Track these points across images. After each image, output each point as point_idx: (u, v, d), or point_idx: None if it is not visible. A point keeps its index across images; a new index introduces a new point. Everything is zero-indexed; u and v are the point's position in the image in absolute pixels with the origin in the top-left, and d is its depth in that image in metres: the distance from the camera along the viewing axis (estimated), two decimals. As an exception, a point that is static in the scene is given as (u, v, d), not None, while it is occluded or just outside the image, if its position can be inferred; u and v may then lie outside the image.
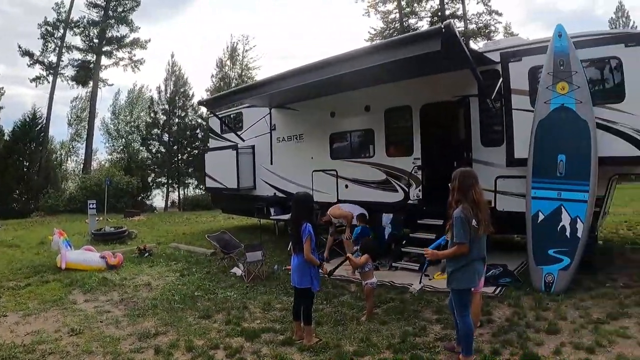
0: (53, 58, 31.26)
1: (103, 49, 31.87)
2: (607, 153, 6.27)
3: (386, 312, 5.83)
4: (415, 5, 32.71)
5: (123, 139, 35.51)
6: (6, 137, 28.44)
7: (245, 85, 14.74)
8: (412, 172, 9.07)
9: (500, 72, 7.30)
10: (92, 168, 31.31)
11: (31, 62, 30.72)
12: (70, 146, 38.48)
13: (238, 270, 8.14)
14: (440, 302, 5.97)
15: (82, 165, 33.65)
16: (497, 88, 7.33)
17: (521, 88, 7.04)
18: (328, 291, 6.52)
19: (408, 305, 6.01)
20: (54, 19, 30.89)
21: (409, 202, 9.15)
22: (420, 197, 8.99)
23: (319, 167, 11.05)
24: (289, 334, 5.10)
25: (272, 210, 12.15)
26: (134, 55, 33.33)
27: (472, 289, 4.28)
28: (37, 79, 31.16)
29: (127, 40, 32.59)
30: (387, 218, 9.37)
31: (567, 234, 6.16)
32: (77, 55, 32.16)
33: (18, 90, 62.33)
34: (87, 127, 32.90)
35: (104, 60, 32.85)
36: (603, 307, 5.47)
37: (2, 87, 34.69)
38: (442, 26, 6.12)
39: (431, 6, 33.24)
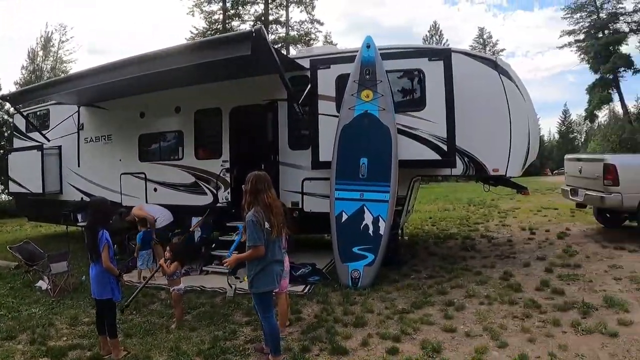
0: None
1: None
2: (408, 156, 6.84)
3: (196, 317, 5.55)
4: (240, 8, 32.53)
5: None
6: None
7: (53, 79, 12.98)
8: (221, 175, 8.79)
9: (310, 78, 7.44)
10: None
11: None
12: None
13: (43, 284, 7.14)
14: (250, 304, 5.69)
15: None
16: (305, 93, 7.45)
17: (328, 94, 7.31)
18: (137, 300, 5.90)
19: (218, 310, 5.78)
20: None
21: (218, 204, 8.87)
22: (229, 199, 8.76)
23: (128, 169, 10.11)
24: (97, 349, 4.60)
25: (79, 216, 10.71)
26: None
27: (275, 290, 4.36)
28: None
29: None
30: (195, 221, 8.84)
31: (370, 232, 6.50)
32: None
33: None
34: None
35: None
36: (408, 298, 5.85)
37: None
38: (253, 31, 6.05)
39: (255, 10, 33.50)
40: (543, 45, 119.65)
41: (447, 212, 14.53)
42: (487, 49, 61.51)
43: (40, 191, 11.40)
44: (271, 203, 4.08)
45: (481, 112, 7.13)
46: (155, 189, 9.72)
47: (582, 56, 58.87)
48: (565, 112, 72.73)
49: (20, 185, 12.18)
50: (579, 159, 9.74)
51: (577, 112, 68.83)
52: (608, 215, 9.93)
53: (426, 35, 57.35)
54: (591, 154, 9.93)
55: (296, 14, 39.71)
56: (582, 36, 59.23)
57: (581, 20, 58.38)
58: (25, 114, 12.25)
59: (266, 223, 3.96)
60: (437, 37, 57.34)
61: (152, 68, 7.15)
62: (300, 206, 7.89)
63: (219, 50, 6.52)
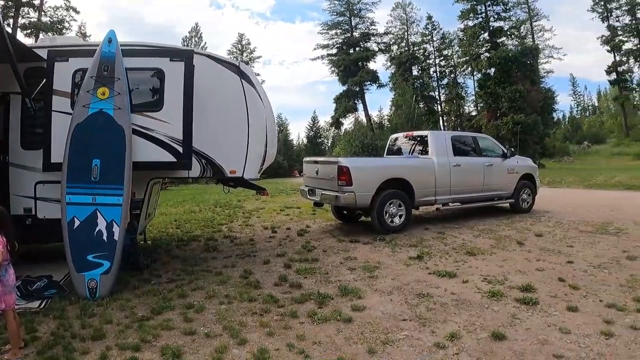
0: None
1: None
2: (143, 158, 6.52)
3: None
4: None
5: None
6: None
7: None
8: None
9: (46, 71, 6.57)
10: None
11: None
12: None
13: None
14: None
15: None
16: (39, 87, 6.61)
17: (64, 90, 6.52)
18: None
19: None
20: None
21: None
22: None
23: None
24: None
25: None
26: None
27: None
28: None
29: None
30: None
31: (105, 238, 6.00)
32: None
33: None
34: None
35: None
36: (148, 304, 5.52)
37: None
38: None
39: None
40: (299, 56, 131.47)
41: (193, 214, 14.28)
42: (245, 54, 65.35)
43: None
44: None
45: (220, 115, 7.30)
46: None
47: (332, 69, 67.30)
48: (314, 119, 78.91)
49: None
50: (315, 162, 10.56)
51: (325, 119, 75.94)
52: (345, 212, 11.07)
53: (186, 36, 57.85)
54: (327, 157, 11.13)
55: (52, -1, 34.60)
56: (334, 50, 67.70)
57: (335, 36, 66.79)
58: None
59: None
60: (196, 38, 58.30)
61: None
62: (33, 212, 6.91)
63: None
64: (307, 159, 11.16)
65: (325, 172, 9.70)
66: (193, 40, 54.05)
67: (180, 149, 6.64)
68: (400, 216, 9.58)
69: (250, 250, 8.35)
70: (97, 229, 5.97)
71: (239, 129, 7.32)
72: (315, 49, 68.17)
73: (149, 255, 7.71)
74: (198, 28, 56.21)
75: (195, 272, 6.85)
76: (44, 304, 5.74)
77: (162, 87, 6.66)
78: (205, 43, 55.34)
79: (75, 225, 5.99)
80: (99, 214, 6.01)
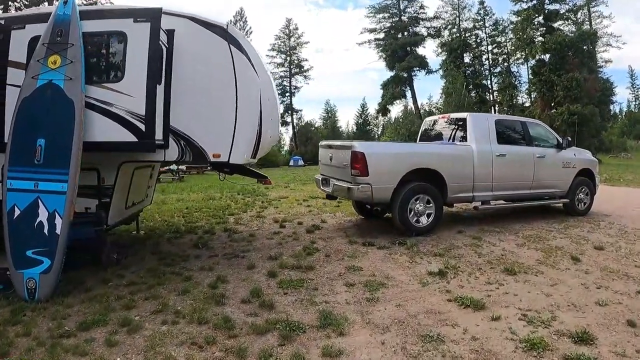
0: None
1: None
2: (100, 138, 5.27)
3: None
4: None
5: None
6: None
7: None
8: None
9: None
10: None
11: None
12: None
13: None
14: None
15: None
16: None
17: (19, 60, 5.35)
18: None
19: None
20: None
21: None
22: None
23: None
24: None
25: None
26: None
27: None
28: None
29: None
30: None
31: (46, 231, 4.82)
32: None
33: None
34: None
35: None
36: (86, 314, 4.37)
37: None
38: None
39: None
40: (350, 43, 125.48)
41: (211, 201, 12.95)
42: (292, 39, 63.14)
43: None
44: None
45: (203, 88, 5.87)
46: None
47: (379, 53, 63.26)
48: (363, 106, 74.56)
49: None
50: (329, 146, 8.74)
51: (375, 107, 71.09)
52: (368, 206, 9.26)
53: (230, 20, 56.77)
54: (342, 142, 8.99)
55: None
56: (382, 35, 63.39)
57: (383, 20, 62.58)
58: None
59: None
60: (241, 22, 56.85)
61: None
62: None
63: None
64: (323, 142, 9.29)
65: (339, 158, 7.92)
66: (238, 25, 53.01)
67: (143, 127, 5.30)
68: (429, 215, 7.70)
69: (242, 249, 6.92)
70: (37, 220, 4.79)
71: (224, 104, 5.85)
72: (362, 32, 64.08)
73: (122, 250, 6.49)
74: (242, 12, 55.09)
75: (162, 275, 5.56)
76: None
77: (124, 53, 5.32)
78: (250, 27, 54.23)
79: (15, 215, 4.85)
80: (40, 202, 4.82)
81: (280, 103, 60.97)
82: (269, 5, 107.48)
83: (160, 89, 5.61)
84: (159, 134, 5.62)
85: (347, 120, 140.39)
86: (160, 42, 5.51)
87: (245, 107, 5.90)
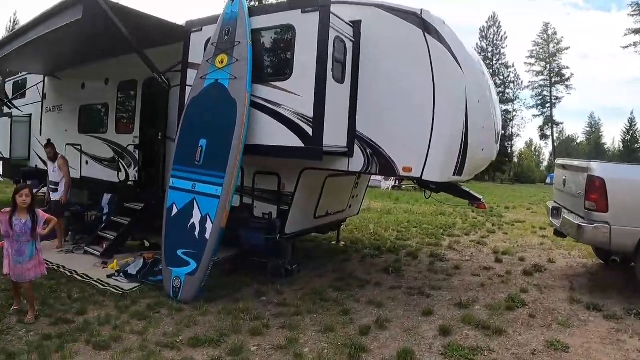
0: None
1: None
2: (265, 141, 5.06)
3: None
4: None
5: None
6: None
7: None
8: (132, 151, 7.75)
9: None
10: None
11: None
12: None
13: None
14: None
15: None
16: (175, 63, 6.07)
17: (197, 62, 5.60)
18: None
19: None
20: None
21: (129, 183, 7.87)
22: (136, 178, 7.71)
23: (70, 140, 9.31)
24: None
25: (28, 182, 10.12)
26: None
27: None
28: None
29: None
30: (106, 198, 8.20)
31: (196, 233, 4.87)
32: None
33: None
34: None
35: None
36: (209, 328, 4.20)
37: None
38: None
39: None
40: (616, 48, 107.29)
41: (439, 216, 11.85)
42: (551, 45, 55.05)
43: (8, 156, 11.42)
44: None
45: (392, 86, 5.04)
46: (87, 162, 8.91)
47: None
48: (631, 120, 61.47)
49: None
50: (564, 166, 6.65)
51: None
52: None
53: (483, 26, 51.78)
54: (580, 161, 6.40)
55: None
56: None
57: None
58: (12, 82, 12.56)
59: None
60: (495, 28, 52.85)
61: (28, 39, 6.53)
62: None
63: (53, 20, 5.74)
64: (558, 161, 7.20)
65: (573, 183, 5.98)
66: (492, 30, 50.71)
67: (310, 131, 4.78)
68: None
69: (433, 285, 5.77)
70: (190, 222, 4.90)
71: (418, 106, 4.90)
72: (625, 34, 53.23)
73: (295, 262, 6.20)
74: (496, 17, 52.53)
75: (320, 301, 4.99)
76: (135, 288, 5.22)
77: (292, 48, 4.91)
78: (504, 32, 51.50)
79: (173, 213, 5.09)
80: (195, 204, 4.91)
81: (539, 115, 55.68)
82: (524, 8, 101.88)
83: (343, 89, 5.10)
84: (340, 140, 5.12)
85: (612, 136, 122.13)
86: (342, 36, 5.00)
87: (445, 110, 4.81)
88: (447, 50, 4.89)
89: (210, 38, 5.42)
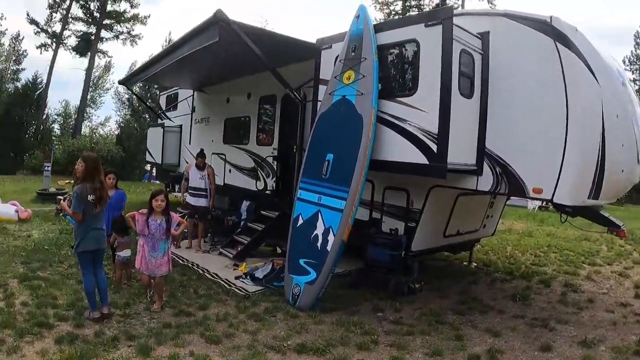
0: (57, 28, 31.13)
1: (103, 22, 31.20)
2: (389, 157, 5.10)
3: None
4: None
5: (129, 109, 33.91)
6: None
7: (139, 66, 14.14)
8: (271, 162, 8.40)
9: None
10: (81, 134, 30.24)
11: (37, 30, 30.67)
12: (65, 112, 37.05)
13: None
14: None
15: (71, 130, 32.73)
16: (307, 79, 6.49)
17: (327, 78, 5.85)
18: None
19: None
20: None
21: (266, 191, 8.54)
22: (274, 188, 8.30)
23: (216, 150, 10.47)
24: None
25: (176, 187, 11.86)
26: (133, 30, 32.42)
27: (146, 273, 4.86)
28: (42, 46, 31.07)
29: (127, 15, 31.64)
30: (245, 205, 8.90)
31: (318, 244, 5.07)
32: (80, 26, 31.79)
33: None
34: (80, 95, 32.16)
35: (104, 34, 32.13)
36: (319, 337, 4.33)
37: (26, 50, 34.84)
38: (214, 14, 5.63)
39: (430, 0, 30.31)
40: None
41: (585, 242, 10.56)
42: None
43: (160, 162, 12.90)
44: (103, 181, 4.59)
45: (521, 100, 4.79)
46: (230, 170, 9.90)
47: None
48: None
49: (150, 155, 13.83)
50: None
51: None
52: None
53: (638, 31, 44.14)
54: None
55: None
56: None
57: None
58: (164, 95, 14.49)
59: (91, 196, 4.32)
60: None
61: (173, 59, 7.46)
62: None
63: (194, 42, 6.42)
64: None
65: None
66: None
67: (435, 147, 4.70)
68: None
69: (560, 318, 5.19)
70: (314, 233, 5.14)
71: (549, 121, 4.57)
72: None
73: (420, 280, 6.10)
74: None
75: (436, 323, 4.83)
76: (258, 291, 5.60)
77: (417, 62, 4.89)
78: None
79: (299, 223, 5.38)
80: (320, 216, 5.14)
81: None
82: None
83: (471, 104, 4.99)
84: (468, 158, 5.00)
85: None
86: (469, 48, 4.89)
87: (579, 126, 4.43)
88: (581, 60, 4.48)
89: (339, 55, 5.64)
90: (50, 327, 4.21)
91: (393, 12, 30.88)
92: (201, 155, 8.27)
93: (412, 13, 29.19)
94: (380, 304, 5.33)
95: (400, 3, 30.88)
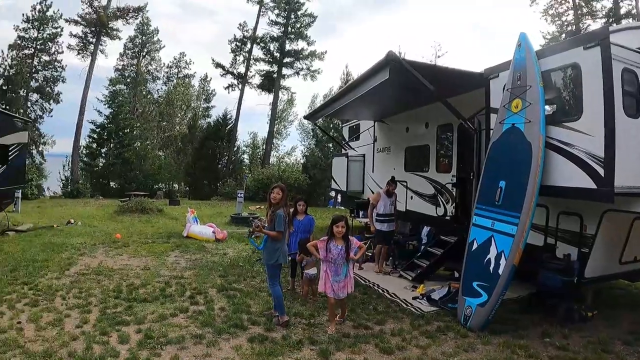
0: (242, 69, 35.66)
1: (284, 61, 34.71)
2: (559, 182, 5.21)
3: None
4: (593, 3, 27.17)
5: (313, 139, 36.65)
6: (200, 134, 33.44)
7: (323, 103, 15.33)
8: (450, 189, 8.81)
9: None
10: (270, 163, 33.54)
11: (223, 72, 35.65)
12: (253, 143, 41.13)
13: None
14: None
15: (261, 160, 36.36)
16: (479, 110, 6.77)
17: (497, 107, 6.14)
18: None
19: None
20: (241, 36, 35.00)
21: (446, 217, 8.92)
22: (453, 213, 8.67)
23: (398, 177, 11.11)
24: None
25: (360, 212, 12.82)
26: (312, 66, 35.21)
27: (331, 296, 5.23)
28: (229, 87, 35.90)
29: (305, 52, 34.65)
30: (425, 230, 9.50)
31: (491, 268, 5.34)
32: (262, 66, 35.85)
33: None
34: (268, 128, 36.07)
35: (286, 71, 35.64)
36: (489, 356, 4.63)
37: (214, 89, 41.01)
38: (386, 55, 6.37)
39: (602, 6, 27.22)
40: None
41: None
42: None
43: (345, 189, 14.02)
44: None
45: None
46: (411, 197, 10.49)
47: None
48: None
49: (336, 183, 15.10)
50: None
51: None
52: None
53: None
54: None
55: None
56: None
57: None
58: (347, 127, 15.68)
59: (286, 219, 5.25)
60: None
61: (353, 97, 8.39)
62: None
63: (369, 81, 7.21)
64: None
65: None
66: None
67: (602, 172, 4.71)
68: None
69: None
70: (487, 257, 5.46)
71: None
72: None
73: (593, 308, 5.85)
74: None
75: (600, 352, 4.72)
76: (432, 312, 6.04)
77: (580, 86, 4.95)
78: None
79: (473, 248, 5.75)
80: (493, 241, 5.46)
81: None
82: None
83: (639, 124, 4.89)
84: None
85: None
86: (632, 66, 4.82)
87: None
88: None
89: (505, 83, 5.92)
90: (244, 328, 5.12)
91: (565, 23, 28.68)
92: (393, 182, 8.83)
93: (586, 21, 27.70)
94: (549, 330, 5.32)
95: (571, 13, 28.30)
